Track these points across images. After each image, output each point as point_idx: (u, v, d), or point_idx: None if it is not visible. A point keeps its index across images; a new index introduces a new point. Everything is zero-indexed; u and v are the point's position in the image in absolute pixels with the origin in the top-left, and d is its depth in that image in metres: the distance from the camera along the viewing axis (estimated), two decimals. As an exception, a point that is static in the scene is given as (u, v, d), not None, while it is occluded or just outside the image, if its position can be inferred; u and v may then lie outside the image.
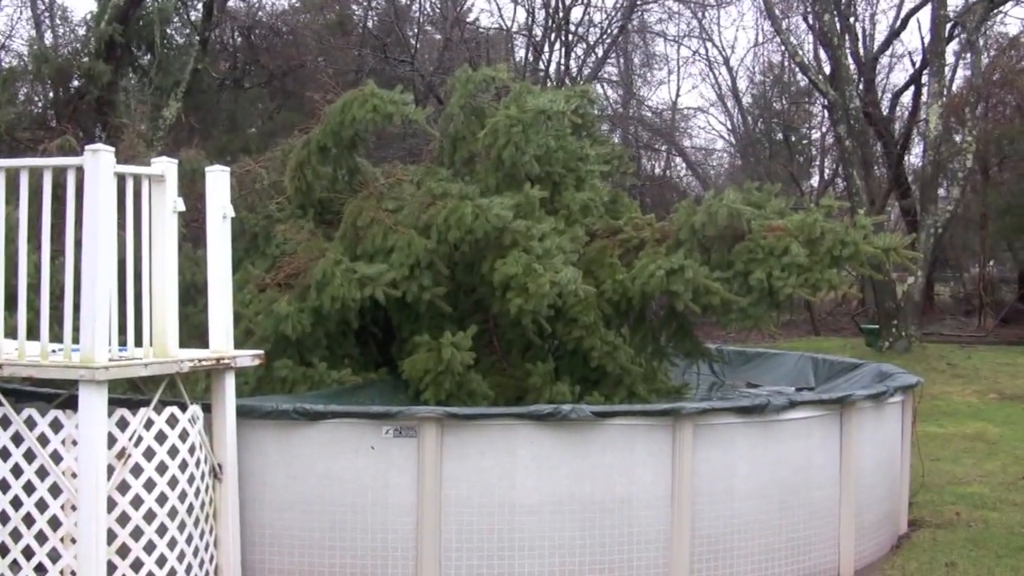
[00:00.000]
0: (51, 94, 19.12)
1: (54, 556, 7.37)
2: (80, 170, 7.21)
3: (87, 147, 7.23)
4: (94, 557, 7.16)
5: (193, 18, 23.85)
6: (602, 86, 39.68)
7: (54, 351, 7.45)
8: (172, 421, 7.73)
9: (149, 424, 7.61)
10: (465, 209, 10.25)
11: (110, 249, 7.18)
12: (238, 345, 9.01)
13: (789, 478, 9.31)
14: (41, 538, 7.40)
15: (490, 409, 9.06)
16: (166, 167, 7.71)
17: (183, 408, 7.85)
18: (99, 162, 7.14)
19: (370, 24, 32.59)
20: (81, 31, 21.48)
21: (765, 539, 9.18)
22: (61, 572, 7.34)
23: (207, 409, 8.19)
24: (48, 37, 23.76)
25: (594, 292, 10.41)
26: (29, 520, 7.44)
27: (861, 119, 30.83)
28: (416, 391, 10.22)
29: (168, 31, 21.54)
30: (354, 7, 31.89)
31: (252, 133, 22.39)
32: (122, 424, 7.48)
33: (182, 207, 7.79)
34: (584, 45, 38.06)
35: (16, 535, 7.48)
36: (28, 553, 7.44)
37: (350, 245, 10.87)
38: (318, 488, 8.45)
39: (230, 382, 8.24)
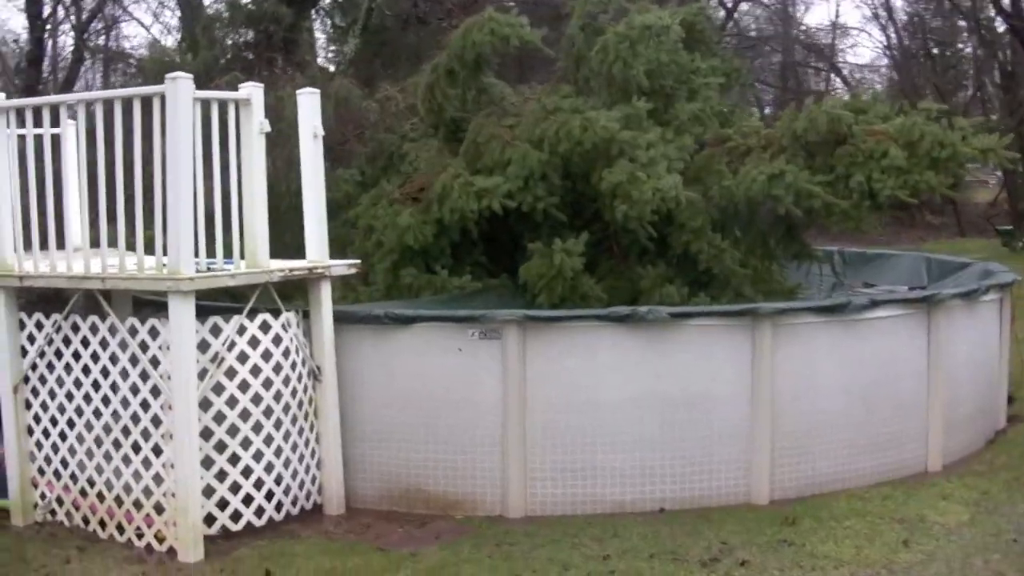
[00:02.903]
0: (243, 38, 18.98)
1: (157, 451, 7.12)
2: (163, 98, 6.75)
3: (167, 75, 6.74)
4: (188, 450, 6.92)
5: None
6: (759, 9, 37.94)
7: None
8: (265, 327, 7.40)
9: (242, 330, 7.30)
10: (574, 122, 9.68)
11: (189, 169, 6.74)
12: (370, 255, 8.58)
13: (874, 375, 8.50)
14: (146, 435, 7.20)
15: (570, 312, 8.44)
16: (252, 91, 7.28)
17: (276, 314, 7.41)
18: (178, 88, 6.72)
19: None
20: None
21: (850, 434, 8.40)
22: (163, 465, 7.11)
23: (306, 316, 7.74)
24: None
25: (698, 198, 9.78)
26: (136, 418, 7.21)
27: (995, 32, 28.66)
28: (533, 295, 9.65)
29: (345, -28, 21.27)
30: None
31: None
32: (215, 331, 7.19)
33: (267, 128, 7.31)
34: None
35: (126, 431, 7.28)
36: (136, 448, 7.23)
37: (471, 160, 10.37)
38: (413, 387, 8.04)
39: (326, 290, 7.86)
